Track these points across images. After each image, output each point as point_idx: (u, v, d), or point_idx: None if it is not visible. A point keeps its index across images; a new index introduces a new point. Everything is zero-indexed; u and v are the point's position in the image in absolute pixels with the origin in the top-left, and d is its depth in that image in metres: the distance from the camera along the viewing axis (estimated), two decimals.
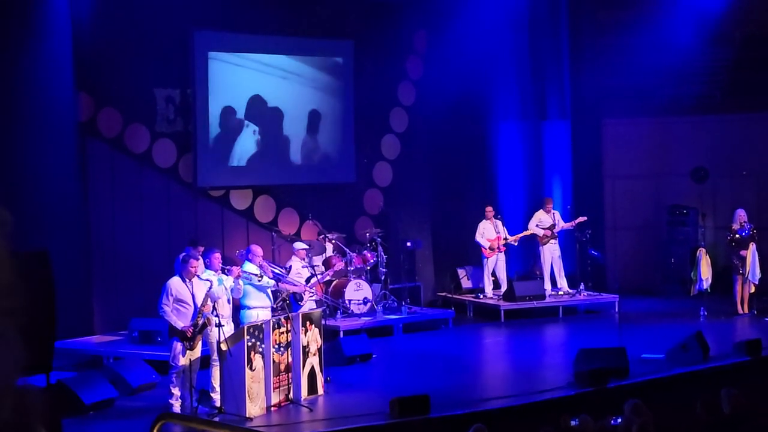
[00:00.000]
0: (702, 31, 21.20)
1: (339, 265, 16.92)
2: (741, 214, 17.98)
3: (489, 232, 19.03)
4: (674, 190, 21.27)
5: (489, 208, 19.26)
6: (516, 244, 19.50)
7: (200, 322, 12.05)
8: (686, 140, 21.31)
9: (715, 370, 13.92)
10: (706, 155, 20.81)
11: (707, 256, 18.03)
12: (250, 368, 11.85)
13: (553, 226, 19.24)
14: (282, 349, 12.44)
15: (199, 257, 13.25)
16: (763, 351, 14.55)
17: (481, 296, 19.33)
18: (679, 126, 21.47)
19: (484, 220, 19.13)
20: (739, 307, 17.92)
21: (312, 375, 12.92)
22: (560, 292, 19.30)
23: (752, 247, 17.73)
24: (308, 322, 12.94)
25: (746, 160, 20.92)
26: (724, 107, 21.19)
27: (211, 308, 12.14)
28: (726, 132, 21.12)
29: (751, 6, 21.84)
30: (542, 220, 19.30)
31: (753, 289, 17.93)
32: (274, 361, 12.25)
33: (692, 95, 21.48)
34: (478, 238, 19.09)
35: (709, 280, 17.97)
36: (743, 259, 17.73)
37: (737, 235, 17.86)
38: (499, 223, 19.17)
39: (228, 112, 17.76)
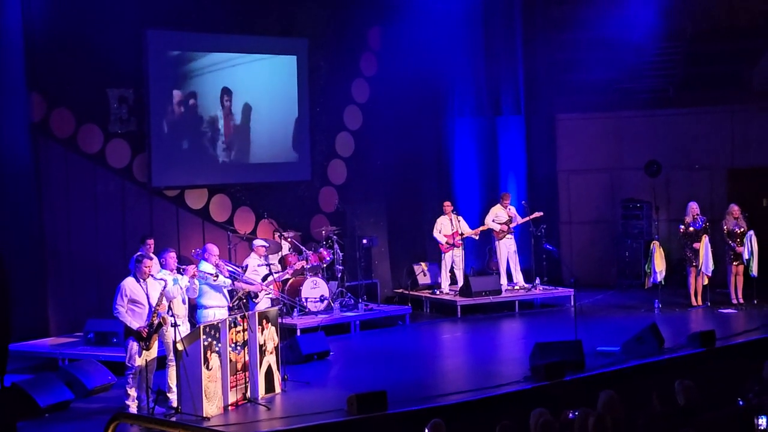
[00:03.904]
0: (654, 26, 21.38)
1: (299, 264, 16.91)
2: (693, 207, 18.12)
3: (446, 227, 19.09)
4: (628, 184, 21.41)
5: (447, 203, 19.31)
6: (477, 237, 19.56)
7: (155, 322, 12.01)
8: (639, 134, 21.44)
9: (670, 362, 14.06)
10: (659, 149, 20.96)
11: (661, 249, 18.15)
12: (207, 368, 11.82)
13: (510, 221, 19.31)
14: (239, 347, 12.42)
15: (153, 257, 13.20)
16: (716, 342, 14.72)
17: (438, 292, 19.38)
18: (632, 120, 21.61)
19: (442, 216, 19.19)
20: (693, 299, 18.08)
21: (269, 373, 12.90)
22: (516, 287, 19.37)
23: (705, 239, 17.88)
24: (265, 321, 12.92)
25: (698, 153, 21.11)
26: (676, 101, 21.37)
27: (167, 308, 12.10)
28: (678, 126, 21.28)
29: (702, 0, 22.06)
30: (498, 215, 19.36)
31: (706, 281, 18.09)
32: (230, 360, 12.23)
33: (645, 90, 21.66)
34: (435, 233, 19.15)
35: (663, 273, 18.09)
36: (696, 251, 17.87)
37: (690, 228, 18.01)
38: (459, 218, 19.21)
39: (181, 110, 17.67)
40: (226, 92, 18.23)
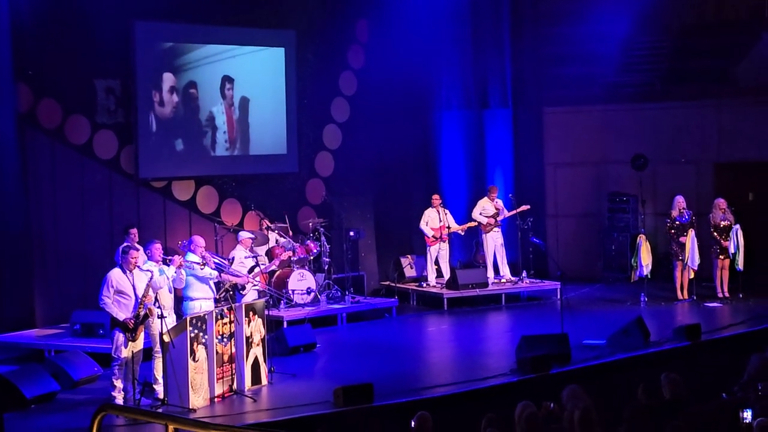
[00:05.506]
0: (641, 20, 21.40)
1: (285, 255, 16.90)
2: (680, 201, 18.16)
3: (433, 220, 19.07)
4: (614, 178, 21.44)
5: (435, 196, 19.29)
6: (463, 233, 19.58)
7: (142, 313, 12.00)
8: (626, 128, 21.47)
9: (656, 355, 14.11)
10: (645, 143, 20.97)
11: (647, 243, 18.20)
12: (193, 359, 11.81)
13: (497, 214, 19.31)
14: (225, 339, 12.42)
15: (140, 248, 13.18)
16: (702, 336, 14.77)
17: (425, 285, 19.38)
18: (619, 114, 21.63)
19: (429, 208, 19.15)
20: (679, 292, 18.13)
21: (256, 365, 12.91)
22: (503, 280, 19.39)
23: (691, 233, 17.92)
24: (251, 313, 12.92)
25: (685, 147, 21.14)
26: (663, 95, 21.39)
27: (153, 299, 12.10)
28: (665, 120, 21.31)
29: None
30: (486, 209, 19.36)
31: (692, 275, 18.13)
32: (217, 352, 12.22)
33: (631, 83, 21.68)
34: (422, 225, 19.13)
35: (650, 267, 18.14)
36: (683, 245, 17.91)
37: (677, 222, 18.05)
38: (446, 212, 19.20)
39: (170, 102, 17.64)
40: (228, 80, 18.22)
